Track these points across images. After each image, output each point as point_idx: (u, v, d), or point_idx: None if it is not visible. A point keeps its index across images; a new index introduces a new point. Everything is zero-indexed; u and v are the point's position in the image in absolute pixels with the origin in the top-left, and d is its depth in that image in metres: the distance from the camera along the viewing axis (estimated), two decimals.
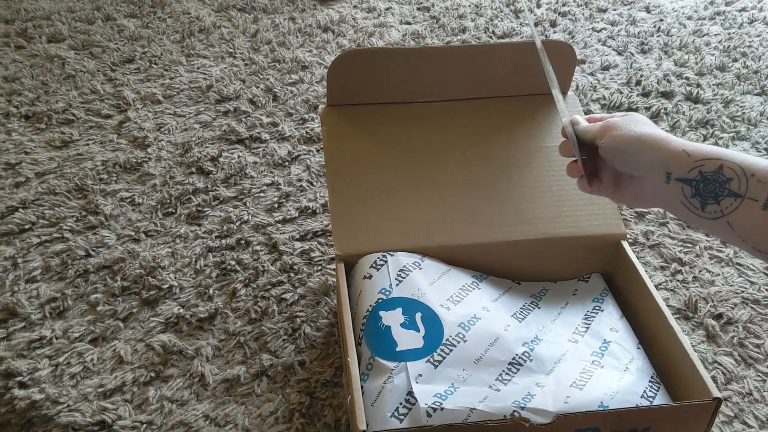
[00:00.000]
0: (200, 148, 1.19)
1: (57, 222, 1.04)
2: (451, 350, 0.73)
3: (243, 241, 1.02)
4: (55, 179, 1.12)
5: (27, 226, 1.03)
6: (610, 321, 0.80)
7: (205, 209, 1.07)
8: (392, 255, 0.83)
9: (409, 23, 1.62)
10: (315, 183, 1.14)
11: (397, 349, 0.73)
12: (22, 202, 1.07)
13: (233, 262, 0.98)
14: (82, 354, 0.85)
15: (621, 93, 1.36)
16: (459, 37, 1.55)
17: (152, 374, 0.83)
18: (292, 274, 0.97)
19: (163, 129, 1.23)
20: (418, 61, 0.92)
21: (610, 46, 1.53)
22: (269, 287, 0.95)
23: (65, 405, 0.80)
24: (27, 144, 1.19)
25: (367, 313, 0.77)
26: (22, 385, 0.82)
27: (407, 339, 0.74)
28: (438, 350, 0.73)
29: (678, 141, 0.60)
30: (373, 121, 0.93)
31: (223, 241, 1.02)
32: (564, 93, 0.97)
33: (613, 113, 0.68)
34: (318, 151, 1.20)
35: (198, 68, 1.41)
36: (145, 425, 0.78)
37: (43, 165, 1.15)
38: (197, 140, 1.21)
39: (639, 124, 0.64)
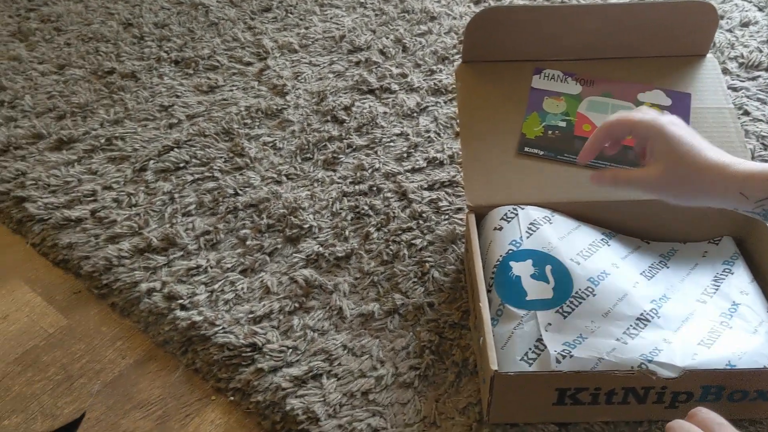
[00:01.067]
0: (334, 98, 1.25)
1: (207, 162, 1.13)
2: (580, 303, 0.76)
3: (375, 188, 1.08)
4: (204, 122, 1.21)
5: (181, 165, 1.13)
6: (741, 284, 0.81)
7: (340, 156, 1.14)
8: (522, 209, 0.86)
9: None
10: (442, 134, 1.18)
11: (527, 299, 0.77)
12: (176, 142, 1.17)
13: (366, 207, 1.05)
14: (234, 283, 0.95)
15: (761, 52, 1.31)
16: None
17: (296, 305, 0.92)
18: (420, 221, 1.02)
19: (299, 78, 1.30)
20: (556, 19, 0.93)
21: (750, 1, 1.46)
22: (400, 232, 1.00)
23: (220, 327, 0.89)
24: (178, 88, 1.29)
25: (498, 262, 0.82)
26: (183, 308, 0.92)
27: (537, 289, 0.78)
28: (567, 302, 0.76)
29: (730, 178, 0.62)
30: (508, 78, 0.96)
31: (357, 186, 1.08)
32: (703, 54, 0.96)
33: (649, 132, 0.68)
34: (445, 102, 1.24)
35: (331, 18, 1.46)
36: (290, 350, 0.86)
37: (193, 108, 1.24)
38: (331, 89, 1.27)
39: (683, 164, 0.65)
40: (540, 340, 0.73)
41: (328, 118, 1.21)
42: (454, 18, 1.45)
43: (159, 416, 0.83)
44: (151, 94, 1.28)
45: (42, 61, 1.36)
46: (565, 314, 0.75)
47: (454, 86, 1.27)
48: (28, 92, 1.28)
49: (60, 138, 1.18)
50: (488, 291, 0.80)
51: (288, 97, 1.26)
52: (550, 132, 0.92)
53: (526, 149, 0.91)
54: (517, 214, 0.85)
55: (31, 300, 0.97)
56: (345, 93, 1.27)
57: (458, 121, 1.03)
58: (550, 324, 0.74)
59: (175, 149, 1.16)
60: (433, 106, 1.23)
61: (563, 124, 0.92)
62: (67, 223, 1.04)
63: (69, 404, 0.84)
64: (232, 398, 0.84)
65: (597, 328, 0.74)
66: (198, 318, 0.90)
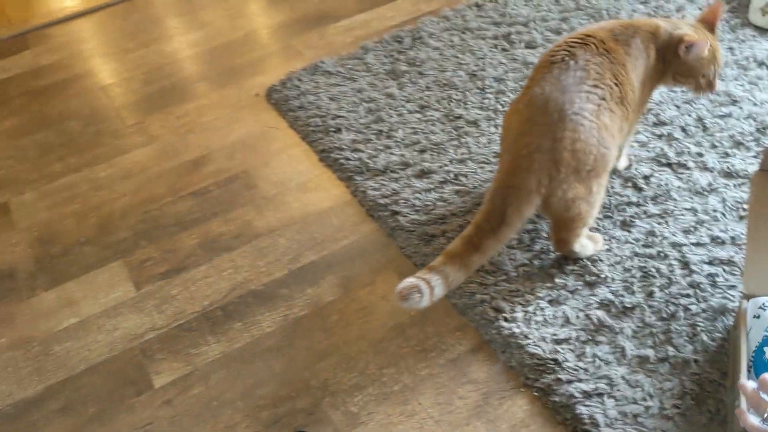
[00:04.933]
0: (637, 165, 1.53)
1: None
2: None
3: (662, 254, 1.35)
4: None
5: None
6: None
7: (635, 220, 1.42)
8: None
9: None
10: (727, 216, 1.40)
11: None
12: None
13: (653, 269, 1.32)
14: (543, 309, 1.29)
15: None
16: None
17: (589, 337, 1.24)
18: (698, 291, 1.28)
19: None
20: None
21: None
22: (678, 296, 1.27)
23: (532, 340, 1.24)
24: None
25: (756, 348, 1.06)
26: (506, 319, 1.29)
27: None
28: None
29: None
30: None
31: (647, 249, 1.36)
32: None
33: None
34: (735, 186, 1.45)
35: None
36: (582, 370, 1.19)
37: None
38: (635, 158, 1.54)
39: None
40: None
41: (629, 184, 1.49)
42: (755, 104, 1.62)
43: (484, 392, 1.21)
44: (488, 141, 1.65)
45: (409, 100, 1.80)
46: None
47: (745, 172, 1.47)
48: (400, 126, 1.73)
49: (422, 168, 1.60)
50: (747, 369, 1.05)
51: None
52: None
53: None
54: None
55: None
56: (646, 163, 1.53)
57: (747, 223, 1.24)
58: None
59: None
60: (723, 187, 1.46)
61: None
62: (427, 237, 1.45)
63: (424, 368, 1.26)
64: (535, 394, 1.19)
65: None
66: (516, 330, 1.26)
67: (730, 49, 1.80)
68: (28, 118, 1.93)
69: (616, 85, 1.26)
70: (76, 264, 1.51)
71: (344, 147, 1.69)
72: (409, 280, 1.18)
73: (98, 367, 1.31)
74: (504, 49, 1.92)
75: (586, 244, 1.34)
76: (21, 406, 1.26)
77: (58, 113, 1.94)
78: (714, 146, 1.55)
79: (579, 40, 1.29)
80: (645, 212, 1.43)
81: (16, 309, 1.43)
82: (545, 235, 1.42)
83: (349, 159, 1.65)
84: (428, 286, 1.18)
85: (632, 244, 1.38)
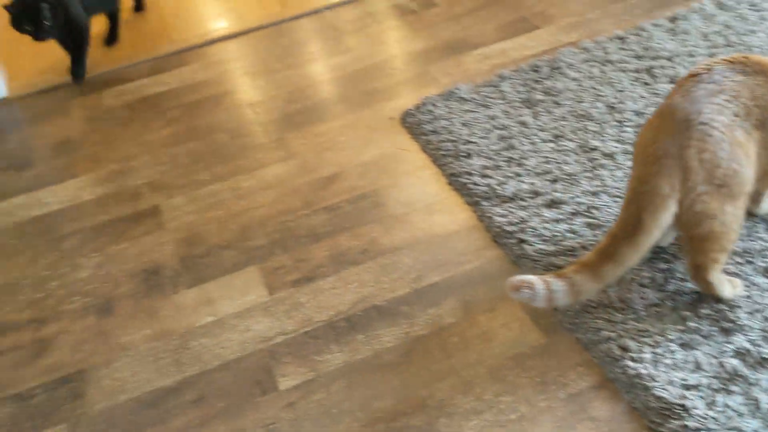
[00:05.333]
0: None
1: (662, 246, 1.43)
2: None
3: None
4: None
5: None
6: None
7: None
8: None
9: None
10: None
11: None
12: None
13: None
14: (673, 352, 1.24)
15: None
16: None
17: (721, 385, 1.18)
18: None
19: None
20: None
21: None
22: None
23: (659, 383, 1.20)
24: None
25: None
26: (632, 359, 1.25)
27: None
28: None
29: None
30: None
31: None
32: None
33: None
34: None
35: None
36: (711, 419, 1.13)
37: None
38: None
39: None
40: None
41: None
42: None
43: (604, 431, 1.18)
44: (624, 175, 1.61)
45: (543, 129, 1.80)
46: None
47: None
48: (531, 155, 1.73)
49: (552, 198, 1.59)
50: None
51: None
52: None
53: None
54: None
55: (522, 318, 1.39)
56: None
57: None
58: None
59: None
60: None
61: None
62: (553, 268, 1.44)
63: (543, 400, 1.24)
64: None
65: None
66: (643, 371, 1.22)
67: None
68: (181, 128, 2.10)
69: (756, 107, 1.22)
70: (216, 266, 1.61)
71: (474, 172, 1.70)
72: (527, 277, 1.21)
73: (230, 365, 1.39)
74: (645, 83, 1.88)
75: (723, 280, 1.28)
76: (158, 394, 1.36)
77: (208, 125, 2.09)
78: None
79: (725, 59, 1.27)
80: None
81: (161, 304, 1.55)
82: (679, 276, 1.37)
83: (477, 184, 1.67)
84: (546, 288, 1.20)
85: None
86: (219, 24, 2.66)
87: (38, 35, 2.21)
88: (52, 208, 1.86)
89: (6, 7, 2.16)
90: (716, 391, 1.18)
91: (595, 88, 1.89)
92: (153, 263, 1.65)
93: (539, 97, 1.91)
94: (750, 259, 1.37)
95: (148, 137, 2.07)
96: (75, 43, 2.36)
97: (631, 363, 1.24)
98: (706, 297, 1.32)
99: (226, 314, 1.49)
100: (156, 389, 1.37)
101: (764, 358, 1.21)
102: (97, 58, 2.50)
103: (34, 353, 1.48)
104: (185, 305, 1.53)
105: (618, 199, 1.56)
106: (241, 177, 1.86)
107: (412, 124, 1.93)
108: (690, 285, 1.34)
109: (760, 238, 1.40)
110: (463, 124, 1.87)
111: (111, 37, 2.61)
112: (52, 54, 2.49)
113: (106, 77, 2.41)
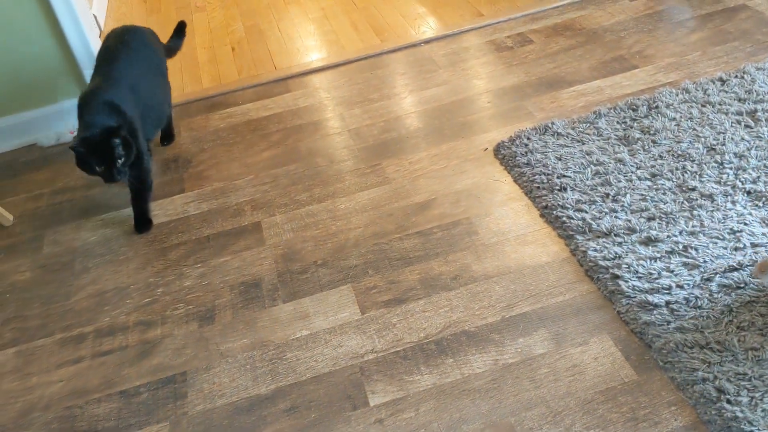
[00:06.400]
0: None
1: (761, 290, 1.40)
2: None
3: None
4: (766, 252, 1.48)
5: (741, 285, 1.42)
6: None
7: None
8: None
9: None
10: None
11: None
12: (740, 265, 1.46)
13: None
14: None
15: None
16: None
17: None
18: None
19: None
20: None
21: None
22: None
23: (756, 428, 1.17)
24: (747, 216, 1.58)
25: None
26: (729, 402, 1.22)
27: None
28: None
29: None
30: None
31: None
32: None
33: None
34: None
35: None
36: None
37: (758, 238, 1.52)
38: None
39: None
40: None
41: None
42: None
43: None
44: (723, 217, 1.59)
45: (639, 167, 1.79)
46: None
47: None
48: (627, 191, 1.73)
49: (649, 236, 1.58)
50: None
51: None
52: None
53: None
54: None
55: (614, 353, 1.38)
56: None
57: None
58: None
59: (737, 271, 1.46)
60: None
61: None
62: (647, 305, 1.43)
63: None
64: None
65: None
66: (740, 414, 1.20)
67: None
68: (282, 151, 2.20)
69: None
70: (311, 282, 1.68)
71: (568, 206, 1.72)
72: None
73: (322, 378, 1.44)
74: (747, 126, 1.85)
75: None
76: (254, 401, 1.42)
77: (307, 150, 2.18)
78: None
79: None
80: None
81: (259, 315, 1.62)
82: None
83: (571, 218, 1.68)
84: None
85: None
86: (321, 54, 2.78)
87: (111, 176, 1.82)
88: (160, 220, 1.98)
89: (73, 148, 1.77)
90: None
91: (694, 129, 1.88)
92: (252, 276, 1.73)
93: (636, 135, 1.90)
94: None
95: (252, 159, 2.18)
96: (141, 183, 1.94)
97: (727, 405, 1.22)
98: None
99: (320, 329, 1.55)
100: (252, 396, 1.43)
101: None
102: (205, 82, 2.66)
103: (140, 354, 1.57)
104: (281, 318, 1.60)
105: (717, 241, 1.53)
106: (338, 199, 1.94)
107: (506, 156, 1.96)
108: None
109: None
110: (558, 158, 1.88)
111: (167, 137, 2.34)
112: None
113: (213, 101, 2.56)
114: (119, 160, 1.79)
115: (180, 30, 2.38)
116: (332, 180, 2.02)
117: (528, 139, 1.99)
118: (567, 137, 1.96)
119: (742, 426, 1.18)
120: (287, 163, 2.14)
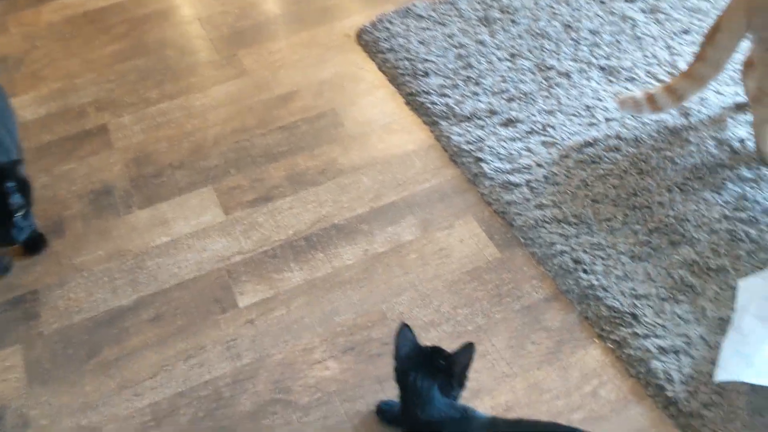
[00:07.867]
0: (734, 126, 1.48)
1: (615, 162, 1.46)
2: None
3: (753, 218, 1.31)
4: (619, 127, 1.53)
5: (595, 160, 1.47)
6: None
7: (727, 182, 1.38)
8: None
9: None
10: None
11: None
12: (594, 140, 1.51)
13: (742, 234, 1.29)
14: (624, 264, 1.29)
15: None
16: None
17: (669, 294, 1.23)
18: None
19: (704, 102, 1.54)
20: None
21: None
22: (767, 262, 1.24)
23: (610, 294, 1.24)
24: (600, 92, 1.62)
25: None
26: (585, 271, 1.29)
27: None
28: None
29: None
30: None
31: (737, 213, 1.33)
32: None
33: None
34: None
35: None
36: (659, 326, 1.18)
37: (611, 113, 1.57)
38: (732, 120, 1.49)
39: None
40: None
41: (725, 147, 1.45)
42: None
43: (557, 340, 1.22)
44: (579, 94, 1.62)
45: (499, 48, 1.78)
46: None
47: None
48: (488, 73, 1.72)
49: (509, 117, 1.59)
50: None
51: (692, 119, 1.51)
52: None
53: None
54: None
55: (478, 234, 1.41)
56: (742, 126, 1.48)
57: None
58: None
59: (592, 146, 1.50)
60: None
61: None
62: (509, 185, 1.46)
63: (498, 312, 1.27)
64: (610, 346, 1.19)
65: None
66: (595, 282, 1.26)
67: None
68: (127, 44, 2.00)
69: None
70: (168, 186, 1.58)
71: (431, 91, 1.69)
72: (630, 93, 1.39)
73: (187, 284, 1.38)
74: (601, 1, 1.87)
75: None
76: (114, 314, 1.35)
77: (156, 41, 2.00)
78: None
79: None
80: (739, 176, 1.39)
81: (113, 224, 1.51)
82: (631, 189, 1.40)
83: (435, 103, 1.66)
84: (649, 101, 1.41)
85: (722, 207, 1.35)
86: None
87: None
88: None
89: None
90: (664, 300, 1.23)
91: (551, 7, 1.87)
92: (102, 184, 1.60)
93: (496, 15, 1.88)
94: (699, 174, 1.41)
95: (93, 54, 1.98)
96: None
97: (583, 275, 1.28)
98: (657, 212, 1.36)
99: (181, 234, 1.47)
100: (112, 308, 1.35)
101: (711, 269, 1.26)
102: None
103: None
104: (138, 226, 1.50)
105: (573, 118, 1.57)
106: (192, 95, 1.80)
107: (369, 42, 1.89)
108: (641, 199, 1.38)
109: (709, 153, 1.44)
110: (420, 42, 1.83)
111: None
112: None
113: None
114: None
115: None
116: (185, 74, 1.88)
117: (390, 23, 1.92)
118: (429, 19, 1.91)
119: (597, 293, 1.25)
120: (133, 57, 1.96)
